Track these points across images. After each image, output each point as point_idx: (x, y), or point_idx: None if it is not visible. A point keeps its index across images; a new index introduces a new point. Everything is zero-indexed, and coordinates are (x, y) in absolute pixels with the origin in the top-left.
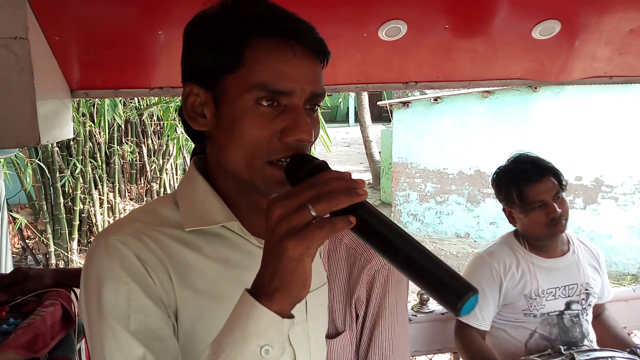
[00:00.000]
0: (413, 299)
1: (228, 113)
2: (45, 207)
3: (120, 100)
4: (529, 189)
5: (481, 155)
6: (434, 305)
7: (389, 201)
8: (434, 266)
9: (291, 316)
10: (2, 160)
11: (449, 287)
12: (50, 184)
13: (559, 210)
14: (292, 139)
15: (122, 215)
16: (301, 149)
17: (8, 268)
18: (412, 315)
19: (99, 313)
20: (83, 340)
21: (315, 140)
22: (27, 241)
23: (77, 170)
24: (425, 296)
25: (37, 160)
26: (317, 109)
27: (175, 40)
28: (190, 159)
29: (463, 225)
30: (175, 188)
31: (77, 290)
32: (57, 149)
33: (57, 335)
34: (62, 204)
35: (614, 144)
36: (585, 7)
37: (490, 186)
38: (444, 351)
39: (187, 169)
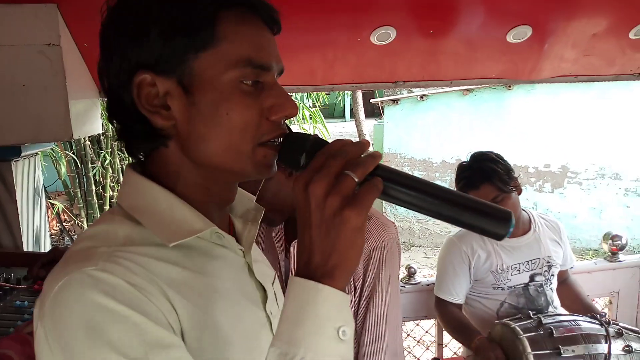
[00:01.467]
0: (402, 272)
1: (208, 98)
2: (79, 194)
3: None
4: (469, 193)
5: (462, 146)
6: (420, 277)
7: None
8: (471, 201)
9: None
10: (40, 153)
11: (494, 215)
12: (83, 173)
13: None
14: (281, 115)
15: None
16: (284, 127)
17: (47, 248)
18: (401, 286)
19: None
20: None
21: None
22: (64, 224)
23: (107, 162)
24: (413, 269)
25: (71, 153)
26: None
27: None
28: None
29: None
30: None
31: None
32: (88, 142)
33: None
34: (94, 191)
35: (579, 135)
36: (554, 14)
37: None
38: (429, 317)
39: (123, 178)
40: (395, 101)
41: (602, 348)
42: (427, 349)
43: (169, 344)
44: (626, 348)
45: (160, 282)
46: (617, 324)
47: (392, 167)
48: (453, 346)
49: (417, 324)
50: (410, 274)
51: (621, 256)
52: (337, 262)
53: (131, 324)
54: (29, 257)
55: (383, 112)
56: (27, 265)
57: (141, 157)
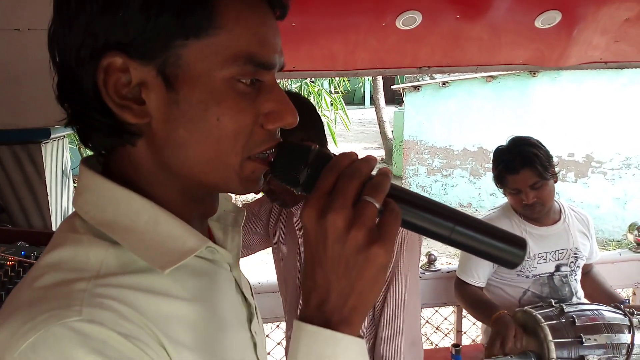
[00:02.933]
0: (422, 259)
1: (195, 97)
2: None
3: None
4: (508, 177)
5: (484, 133)
6: (439, 264)
7: (399, 174)
8: (486, 227)
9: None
10: (66, 135)
11: (507, 252)
12: None
13: (533, 198)
14: (278, 125)
15: None
16: (279, 136)
17: None
18: (421, 273)
19: None
20: None
21: None
22: None
23: None
24: (433, 256)
25: None
26: None
27: None
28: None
29: (466, 196)
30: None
31: None
32: None
33: None
34: None
35: (604, 124)
36: None
37: (491, 162)
38: (448, 304)
39: (78, 180)
40: (416, 87)
41: (625, 338)
42: (446, 335)
43: None
44: None
45: (151, 325)
46: None
47: (400, 185)
48: (472, 334)
49: (436, 311)
50: (431, 261)
51: None
52: (356, 304)
53: None
54: None
55: (404, 98)
56: None
57: (101, 152)
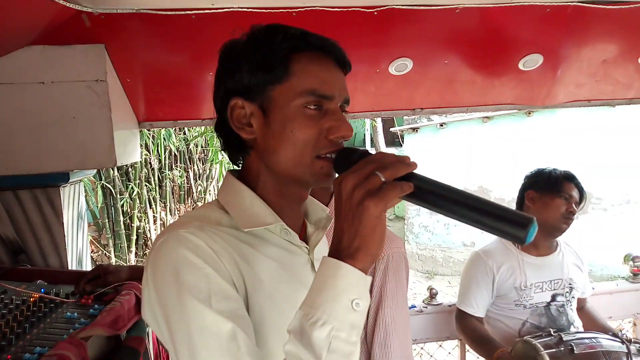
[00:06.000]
0: (425, 293)
1: (279, 118)
2: (107, 224)
3: (173, 130)
4: (565, 183)
5: (483, 172)
6: (441, 298)
7: (402, 215)
8: (494, 207)
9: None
10: (82, 180)
11: (513, 221)
12: (112, 204)
13: (576, 209)
14: (337, 135)
15: None
16: (341, 145)
17: (88, 268)
18: (423, 307)
19: (178, 299)
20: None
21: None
22: (91, 255)
23: (135, 193)
24: (434, 290)
25: (103, 182)
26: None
27: None
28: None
29: (468, 235)
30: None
31: None
32: (117, 174)
33: (132, 318)
34: (121, 221)
35: (603, 160)
36: (563, 42)
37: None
38: (451, 338)
39: (223, 181)
40: (415, 129)
41: None
42: None
43: (229, 296)
44: None
45: (235, 254)
46: (638, 342)
47: (428, 177)
48: None
49: (440, 345)
50: (432, 295)
51: None
52: (359, 245)
53: (203, 274)
54: (75, 274)
55: (403, 140)
56: (73, 282)
57: (238, 164)
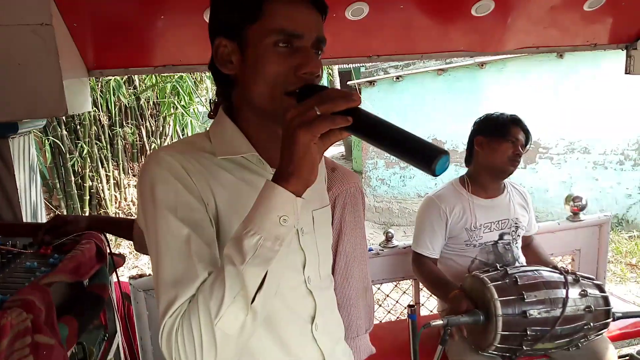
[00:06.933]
0: (381, 237)
1: (252, 56)
2: (58, 185)
3: (123, 83)
4: (513, 127)
5: (437, 125)
6: (397, 241)
7: (360, 169)
8: (412, 142)
9: (301, 197)
10: (31, 131)
11: (425, 154)
12: (62, 164)
13: (522, 151)
14: (305, 71)
15: (127, 190)
16: (311, 81)
17: (43, 221)
18: (380, 250)
19: (153, 207)
20: (113, 274)
21: (320, 79)
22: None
23: (85, 152)
24: (390, 234)
25: (51, 138)
26: (320, 54)
27: (175, 25)
28: (215, 105)
29: (423, 187)
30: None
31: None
32: (66, 132)
33: (94, 266)
34: (73, 182)
35: (549, 111)
36: None
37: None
38: (406, 278)
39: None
40: (371, 83)
41: (561, 293)
42: (405, 309)
43: (193, 209)
44: (582, 292)
45: (209, 177)
46: (575, 273)
47: (371, 113)
48: (430, 305)
49: (396, 285)
50: (388, 238)
51: (582, 216)
52: (292, 170)
53: (173, 188)
54: (31, 226)
55: (360, 93)
56: (30, 235)
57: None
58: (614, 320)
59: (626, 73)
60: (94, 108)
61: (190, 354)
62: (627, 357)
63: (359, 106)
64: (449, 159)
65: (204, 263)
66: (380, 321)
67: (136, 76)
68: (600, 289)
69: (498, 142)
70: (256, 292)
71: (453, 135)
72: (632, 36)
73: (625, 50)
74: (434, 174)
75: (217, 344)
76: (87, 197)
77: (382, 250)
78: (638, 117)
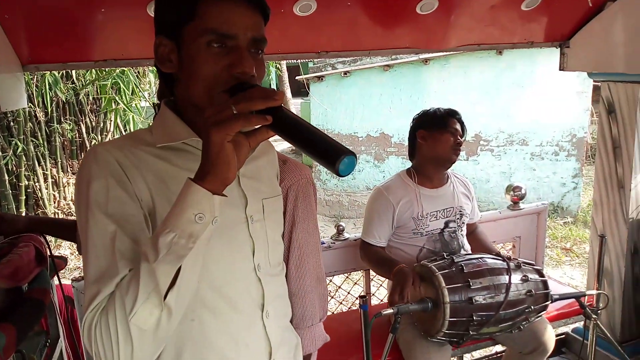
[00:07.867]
0: (332, 230)
1: (187, 55)
2: None
3: (60, 78)
4: (450, 119)
5: (384, 119)
6: (348, 234)
7: (310, 163)
8: (322, 142)
9: (222, 195)
10: None
11: (330, 153)
12: None
13: (461, 140)
14: (236, 71)
15: (66, 189)
16: (247, 80)
17: None
18: (331, 243)
19: (85, 205)
20: (55, 277)
21: (261, 78)
22: None
23: (19, 149)
24: (341, 227)
25: None
26: (261, 53)
27: (115, 18)
28: (159, 102)
29: (372, 180)
30: None
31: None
32: None
33: (33, 270)
34: (7, 181)
35: (489, 105)
36: None
37: (392, 147)
38: (357, 269)
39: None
40: (320, 78)
41: (504, 279)
42: (357, 299)
43: (125, 203)
44: (523, 278)
45: (145, 171)
46: (517, 260)
47: (293, 114)
48: (380, 295)
49: (347, 277)
50: (339, 231)
51: (521, 205)
52: (208, 169)
53: (105, 183)
54: None
55: (309, 89)
56: None
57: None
58: (552, 302)
59: (560, 69)
60: (29, 104)
61: (107, 349)
62: (563, 335)
63: (282, 106)
64: (356, 160)
65: (126, 260)
66: (333, 312)
67: (74, 71)
68: (540, 273)
69: (440, 132)
70: (169, 289)
71: (400, 129)
72: (565, 35)
73: (559, 48)
74: (339, 173)
75: (133, 339)
76: (24, 197)
77: (334, 242)
78: (571, 111)
